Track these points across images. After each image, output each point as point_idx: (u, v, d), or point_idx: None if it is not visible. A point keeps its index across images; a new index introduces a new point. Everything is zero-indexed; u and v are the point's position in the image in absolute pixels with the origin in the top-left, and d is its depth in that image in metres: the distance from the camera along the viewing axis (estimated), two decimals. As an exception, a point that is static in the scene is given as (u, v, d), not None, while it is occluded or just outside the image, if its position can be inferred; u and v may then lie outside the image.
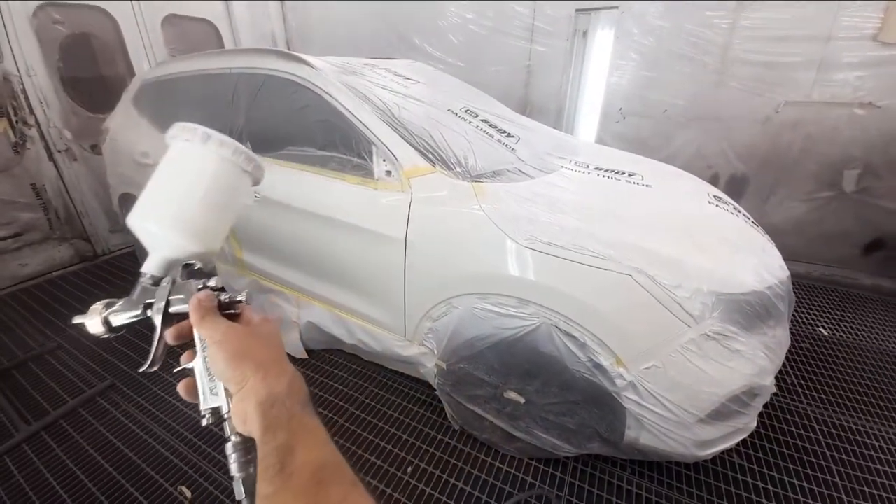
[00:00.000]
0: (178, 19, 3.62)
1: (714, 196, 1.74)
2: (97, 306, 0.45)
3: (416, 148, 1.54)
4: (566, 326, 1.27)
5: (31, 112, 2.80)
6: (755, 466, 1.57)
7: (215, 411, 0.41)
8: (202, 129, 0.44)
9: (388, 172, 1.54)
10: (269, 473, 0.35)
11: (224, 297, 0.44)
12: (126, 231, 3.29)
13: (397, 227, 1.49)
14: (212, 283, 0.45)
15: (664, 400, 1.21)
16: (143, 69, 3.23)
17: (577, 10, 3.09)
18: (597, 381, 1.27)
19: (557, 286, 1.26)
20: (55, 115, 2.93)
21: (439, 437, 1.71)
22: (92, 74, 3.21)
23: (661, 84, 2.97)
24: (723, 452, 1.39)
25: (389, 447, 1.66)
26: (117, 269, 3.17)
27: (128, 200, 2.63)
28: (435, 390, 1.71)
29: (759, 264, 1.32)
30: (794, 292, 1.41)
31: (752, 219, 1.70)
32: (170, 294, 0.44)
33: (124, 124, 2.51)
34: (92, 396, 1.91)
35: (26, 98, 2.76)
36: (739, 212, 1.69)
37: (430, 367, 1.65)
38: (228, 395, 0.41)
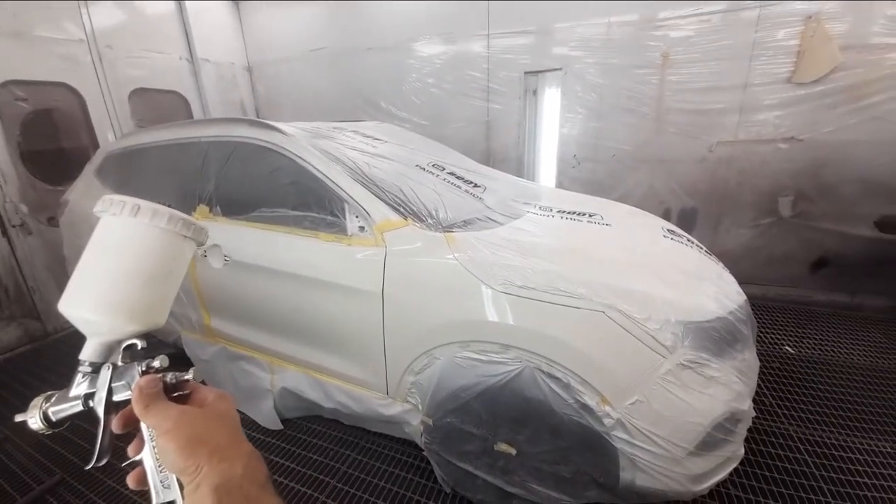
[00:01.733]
0: (146, 92, 3.70)
1: (668, 230, 1.87)
2: (37, 401, 0.42)
3: (387, 203, 1.59)
4: (548, 368, 1.28)
5: (-15, 189, 2.70)
6: (751, 496, 1.56)
7: None
8: (132, 200, 0.41)
9: (362, 228, 1.57)
10: None
11: (170, 377, 0.41)
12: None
13: (373, 281, 1.50)
14: (156, 363, 0.42)
15: (652, 435, 1.21)
16: (107, 141, 3.23)
17: (525, 73, 3.42)
18: (585, 422, 1.25)
19: (535, 328, 1.28)
20: (12, 190, 2.83)
21: (430, 503, 1.60)
22: (53, 147, 3.18)
23: (608, 133, 3.26)
24: (718, 485, 1.38)
25: (377, 520, 1.53)
26: (71, 347, 2.93)
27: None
28: (422, 450, 1.62)
29: (718, 291, 1.40)
30: (755, 314, 1.50)
31: (705, 248, 1.82)
32: (111, 381, 0.41)
33: (86, 195, 2.46)
34: (41, 494, 1.70)
35: (-20, 175, 2.68)
36: (693, 243, 1.81)
37: (415, 425, 1.58)
38: (181, 486, 0.38)
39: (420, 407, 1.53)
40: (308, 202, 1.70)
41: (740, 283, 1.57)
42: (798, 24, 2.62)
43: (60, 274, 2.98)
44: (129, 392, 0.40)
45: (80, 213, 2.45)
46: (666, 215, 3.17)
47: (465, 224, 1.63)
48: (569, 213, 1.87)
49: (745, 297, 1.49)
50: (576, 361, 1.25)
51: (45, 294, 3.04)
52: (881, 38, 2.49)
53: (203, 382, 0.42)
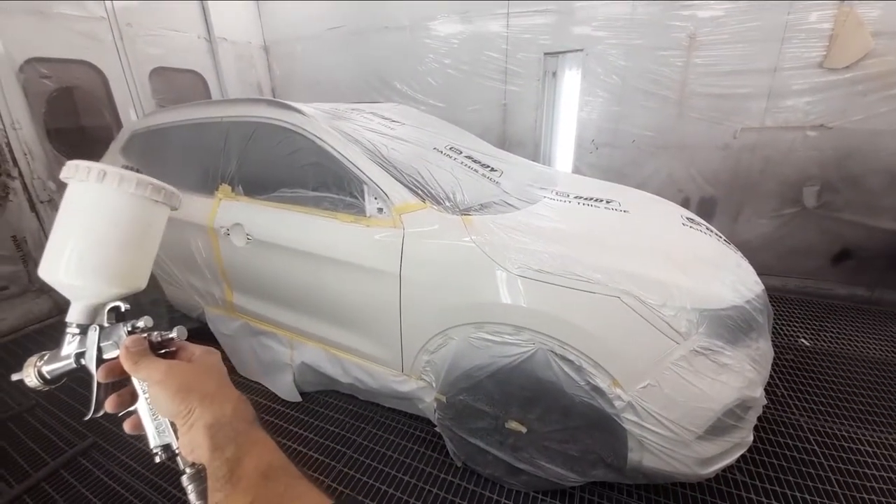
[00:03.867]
0: (166, 71, 3.74)
1: (687, 218, 1.85)
2: (31, 360, 0.44)
3: (405, 185, 1.61)
4: (561, 350, 1.30)
5: (15, 164, 2.80)
6: (757, 482, 1.58)
7: (166, 448, 0.41)
8: (98, 166, 0.41)
9: (380, 210, 1.59)
10: (220, 483, 0.37)
11: (154, 335, 0.43)
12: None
13: (391, 262, 1.53)
14: (140, 323, 0.43)
15: (662, 419, 1.23)
16: (130, 120, 3.29)
17: (545, 54, 3.34)
18: (596, 403, 1.28)
19: (550, 311, 1.30)
20: (39, 167, 2.93)
21: (441, 475, 1.67)
22: (78, 125, 3.26)
23: (629, 117, 3.19)
24: (724, 470, 1.40)
25: (391, 490, 1.60)
26: (98, 319, 3.07)
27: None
28: (435, 426, 1.68)
29: (735, 280, 1.40)
30: (773, 306, 1.49)
31: (724, 237, 1.80)
32: (99, 341, 0.43)
33: (111, 174, 2.53)
34: (73, 456, 1.81)
35: (10, 150, 2.77)
36: (712, 231, 1.79)
37: (429, 402, 1.63)
38: (175, 429, 0.41)
39: (434, 385, 1.58)
40: (327, 183, 1.73)
41: (759, 275, 1.55)
42: (831, 7, 2.50)
43: (88, 249, 3.08)
44: (116, 349, 0.43)
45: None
46: (685, 204, 3.12)
47: (482, 208, 1.64)
48: (586, 198, 1.86)
49: (762, 286, 1.48)
50: (589, 345, 1.27)
51: (73, 268, 3.16)
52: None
53: (183, 338, 0.44)
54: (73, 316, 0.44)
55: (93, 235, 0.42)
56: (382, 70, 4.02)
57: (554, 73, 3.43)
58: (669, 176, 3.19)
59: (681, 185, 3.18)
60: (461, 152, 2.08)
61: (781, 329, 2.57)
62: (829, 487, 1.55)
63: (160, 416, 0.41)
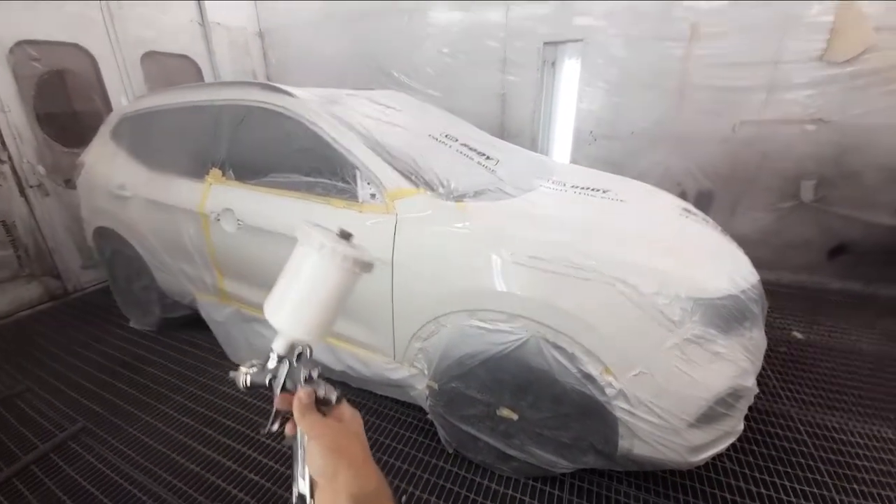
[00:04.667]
0: (158, 56, 3.67)
1: (684, 209, 1.84)
2: (244, 366, 0.53)
3: (399, 171, 1.58)
4: (554, 338, 1.29)
5: (4, 148, 2.75)
6: (746, 470, 1.59)
7: (301, 498, 0.46)
8: (329, 244, 0.49)
9: (373, 195, 1.57)
10: None
11: (321, 391, 0.50)
12: (99, 267, 3.19)
13: (384, 248, 1.51)
14: (314, 374, 0.51)
15: (653, 406, 1.23)
16: (120, 104, 3.23)
17: (544, 43, 3.29)
18: (587, 391, 1.28)
19: (543, 298, 1.29)
20: (29, 151, 2.87)
21: (433, 461, 1.67)
22: (68, 110, 3.20)
23: (628, 109, 3.16)
24: (714, 458, 1.41)
25: (382, 476, 1.60)
26: (89, 305, 3.05)
27: (103, 234, 2.57)
28: (427, 413, 1.68)
29: (731, 269, 1.39)
30: (767, 299, 1.48)
31: (720, 228, 1.79)
32: (286, 376, 0.52)
33: (101, 158, 2.49)
34: (63, 440, 1.80)
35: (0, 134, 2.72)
36: (708, 222, 1.78)
37: (421, 389, 1.63)
38: (314, 485, 0.45)
39: (426, 372, 1.57)
40: (320, 168, 1.70)
41: (755, 268, 1.54)
42: (833, 0, 2.47)
43: (79, 236, 3.05)
44: (294, 386, 0.51)
45: (96, 175, 2.48)
46: (682, 197, 3.06)
47: (477, 194, 1.62)
48: (582, 188, 1.84)
49: (758, 276, 1.47)
50: (582, 332, 1.26)
51: (63, 254, 3.13)
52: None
53: (339, 400, 0.51)
54: (277, 347, 0.52)
55: (308, 296, 0.51)
56: (380, 58, 3.96)
57: (553, 63, 3.39)
58: (667, 169, 3.18)
59: (678, 178, 3.17)
60: (457, 140, 2.05)
61: (775, 321, 2.58)
62: (817, 477, 1.57)
63: (307, 468, 0.46)
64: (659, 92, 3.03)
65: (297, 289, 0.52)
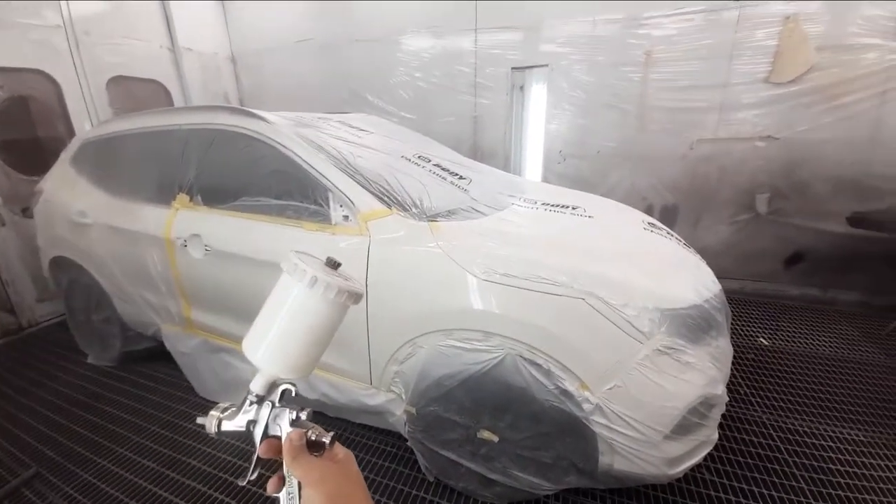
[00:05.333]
0: (125, 80, 3.60)
1: (649, 223, 1.91)
2: (216, 410, 0.49)
3: (371, 192, 1.59)
4: (530, 355, 1.29)
5: (-46, 177, 2.60)
6: (725, 480, 1.61)
7: None
8: (310, 271, 0.46)
9: (346, 217, 1.56)
10: None
11: (311, 434, 0.46)
12: (55, 299, 3.01)
13: (358, 269, 1.49)
14: (303, 415, 0.48)
15: (630, 419, 1.23)
16: (84, 129, 3.14)
17: (512, 68, 3.44)
18: (565, 407, 1.28)
19: (517, 315, 1.30)
20: (-17, 179, 2.73)
21: (414, 492, 1.61)
22: (29, 136, 3.07)
23: (593, 129, 3.31)
24: (693, 470, 1.42)
25: (359, 509, 1.53)
26: (45, 342, 2.85)
27: (60, 264, 2.44)
28: (406, 440, 1.63)
29: (694, 280, 1.44)
30: (732, 307, 1.54)
31: (683, 241, 1.86)
32: (268, 419, 0.48)
33: (60, 185, 2.39)
34: (16, 488, 1.66)
35: (-50, 163, 2.57)
36: (672, 235, 1.85)
37: (399, 415, 1.58)
38: None
39: (403, 396, 1.54)
40: (291, 191, 1.68)
41: (718, 277, 1.60)
42: (777, 25, 2.70)
43: (35, 266, 2.88)
44: (279, 430, 0.47)
45: (55, 202, 2.37)
46: (648, 212, 3.22)
47: (450, 214, 1.63)
48: (552, 205, 1.89)
49: (720, 286, 1.53)
50: (556, 348, 1.27)
51: (18, 287, 2.94)
52: (856, 39, 2.57)
53: (333, 442, 0.47)
54: (255, 387, 0.49)
55: (291, 332, 0.48)
56: (354, 83, 4.03)
57: (521, 87, 3.53)
58: (633, 185, 3.31)
59: (644, 194, 3.31)
60: (430, 160, 2.08)
61: (741, 329, 2.67)
62: (794, 483, 1.59)
63: None
64: (620, 113, 3.19)
65: (281, 324, 0.48)
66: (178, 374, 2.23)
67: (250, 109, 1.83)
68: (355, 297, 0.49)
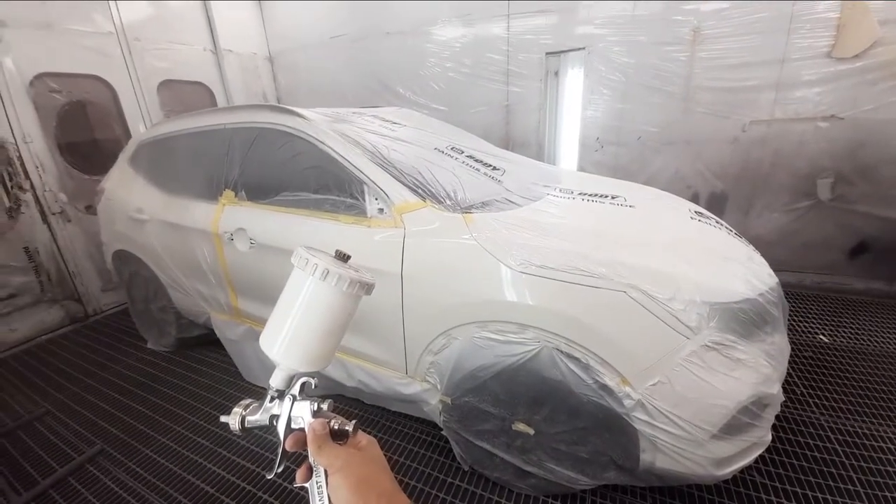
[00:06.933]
0: (174, 83, 3.81)
1: (695, 212, 1.80)
2: (239, 407, 0.50)
3: (406, 185, 1.60)
4: (567, 348, 1.27)
5: (27, 177, 2.86)
6: (777, 483, 1.52)
7: None
8: (322, 264, 0.47)
9: (381, 210, 1.58)
10: None
11: (335, 424, 0.47)
12: (118, 289, 3.27)
13: (392, 262, 1.51)
14: (324, 406, 0.49)
15: (674, 417, 1.19)
16: (139, 131, 3.35)
17: (547, 54, 3.32)
18: (604, 403, 1.24)
19: (554, 308, 1.27)
20: (51, 180, 2.99)
21: (448, 479, 1.64)
22: (88, 138, 3.33)
23: (633, 114, 3.15)
24: (742, 471, 1.35)
25: (397, 494, 1.57)
26: (109, 328, 3.11)
27: (122, 257, 2.64)
28: (441, 429, 1.65)
29: (747, 272, 1.35)
30: (790, 302, 1.44)
31: (734, 231, 1.75)
32: (290, 412, 0.49)
33: (120, 184, 2.57)
34: (81, 464, 1.82)
35: (22, 164, 2.83)
36: (722, 225, 1.75)
37: (434, 405, 1.60)
38: None
39: (438, 386, 1.55)
40: (329, 185, 1.73)
41: (774, 270, 1.49)
42: (837, -1, 2.45)
43: (99, 260, 3.15)
44: (302, 422, 0.48)
45: (115, 200, 2.56)
46: (694, 200, 3.05)
47: (484, 205, 1.62)
48: (591, 195, 1.83)
49: (776, 279, 1.43)
50: (595, 342, 1.23)
51: (85, 278, 3.22)
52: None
53: (356, 430, 0.47)
54: (275, 381, 0.50)
55: (306, 324, 0.49)
56: (385, 76, 4.05)
57: (556, 73, 3.41)
58: (677, 172, 3.14)
59: (689, 181, 3.13)
60: (463, 152, 2.07)
61: (799, 325, 2.49)
62: (850, 487, 1.48)
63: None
64: (663, 96, 3.01)
65: (296, 318, 0.49)
66: (226, 359, 2.37)
67: (288, 107, 1.88)
68: (367, 288, 0.50)
